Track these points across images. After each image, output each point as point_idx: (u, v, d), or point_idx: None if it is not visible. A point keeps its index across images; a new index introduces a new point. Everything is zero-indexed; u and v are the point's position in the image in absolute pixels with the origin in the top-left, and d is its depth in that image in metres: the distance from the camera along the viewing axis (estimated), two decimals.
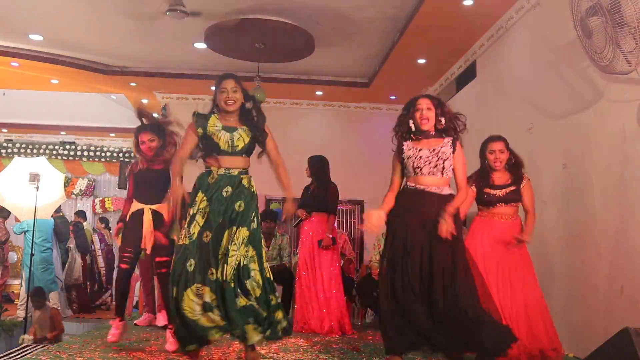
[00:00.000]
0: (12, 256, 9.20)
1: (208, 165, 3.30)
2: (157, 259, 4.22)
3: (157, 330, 5.21)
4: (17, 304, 7.89)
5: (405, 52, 6.81)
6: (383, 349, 3.25)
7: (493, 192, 3.90)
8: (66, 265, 8.39)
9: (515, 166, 3.95)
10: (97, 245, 9.48)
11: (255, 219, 3.28)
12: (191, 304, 3.08)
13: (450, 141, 3.24)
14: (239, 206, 3.22)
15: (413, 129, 3.25)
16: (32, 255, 7.09)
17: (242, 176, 3.28)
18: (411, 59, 7.06)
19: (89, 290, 9.01)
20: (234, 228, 3.19)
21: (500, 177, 3.93)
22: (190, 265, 3.13)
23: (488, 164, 3.94)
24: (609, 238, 3.96)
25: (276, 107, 8.99)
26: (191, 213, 3.23)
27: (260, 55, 6.89)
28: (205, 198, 3.22)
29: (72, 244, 8.66)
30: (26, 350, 5.61)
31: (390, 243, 3.20)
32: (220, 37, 6.58)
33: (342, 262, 6.61)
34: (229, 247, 3.15)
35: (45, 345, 5.56)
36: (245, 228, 3.20)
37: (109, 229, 10.04)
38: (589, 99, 4.30)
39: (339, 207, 8.95)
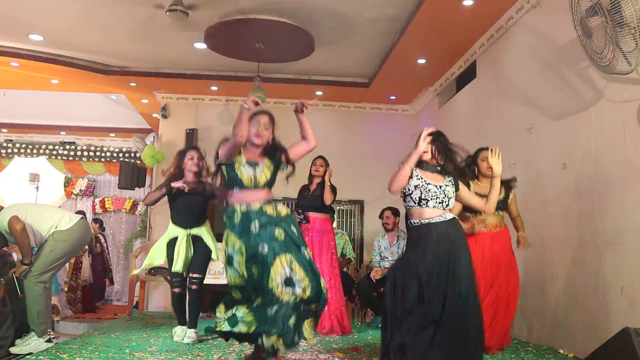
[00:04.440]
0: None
1: (231, 203, 3.34)
2: (191, 275, 4.54)
3: (157, 330, 5.22)
4: None
5: (405, 52, 6.81)
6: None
7: (483, 197, 3.98)
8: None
9: (504, 181, 4.12)
10: (104, 243, 9.59)
11: (299, 237, 3.31)
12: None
13: (452, 180, 3.28)
14: (280, 234, 3.23)
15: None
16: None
17: (264, 207, 3.29)
18: (411, 59, 7.06)
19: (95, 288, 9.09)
20: (285, 255, 3.19)
21: (488, 186, 4.00)
22: (238, 294, 3.30)
23: (480, 171, 4.21)
24: (609, 238, 3.96)
25: (276, 107, 8.98)
26: (228, 253, 3.28)
27: (260, 55, 6.88)
28: (235, 238, 3.26)
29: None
30: None
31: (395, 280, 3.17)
32: (220, 37, 6.58)
33: (342, 262, 6.61)
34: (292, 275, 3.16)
35: None
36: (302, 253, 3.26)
37: (103, 229, 10.06)
38: (589, 99, 4.30)
39: (339, 207, 9.01)
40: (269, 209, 3.30)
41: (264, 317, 3.11)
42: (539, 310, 4.83)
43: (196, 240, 4.56)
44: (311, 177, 5.47)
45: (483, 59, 6.51)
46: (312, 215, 5.32)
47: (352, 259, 7.13)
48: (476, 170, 4.30)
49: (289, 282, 3.13)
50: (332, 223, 5.93)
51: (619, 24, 3.32)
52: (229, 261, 3.29)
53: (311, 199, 5.34)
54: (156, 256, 4.66)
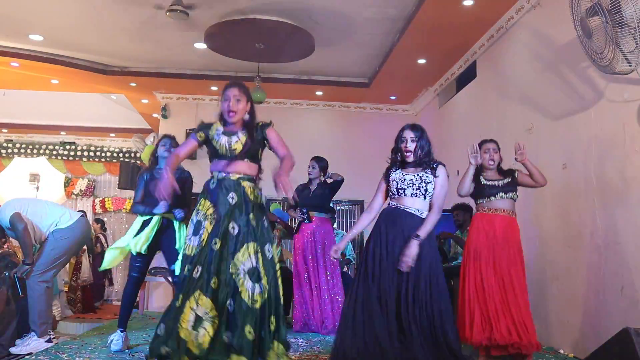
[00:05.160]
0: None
1: (211, 171, 3.21)
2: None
3: None
4: None
5: (405, 52, 6.81)
6: None
7: (492, 182, 4.01)
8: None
9: (505, 170, 4.14)
10: (105, 243, 9.58)
11: (268, 233, 3.12)
12: (188, 316, 2.88)
13: (434, 170, 3.24)
14: (253, 220, 3.05)
15: (399, 160, 3.30)
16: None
17: (243, 182, 3.10)
18: (411, 59, 7.06)
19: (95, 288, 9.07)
20: (254, 244, 3.01)
21: (493, 175, 4.08)
22: (197, 272, 2.96)
23: (482, 162, 4.11)
24: (609, 238, 3.96)
25: (276, 107, 8.99)
26: (195, 220, 3.09)
27: (260, 55, 6.89)
28: (209, 204, 3.09)
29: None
30: None
31: (363, 259, 3.20)
32: (220, 37, 6.58)
33: (342, 262, 6.61)
34: (255, 265, 2.98)
35: None
36: (267, 245, 3.08)
37: (105, 230, 10.06)
38: (589, 99, 4.30)
39: (338, 207, 9.02)
40: (248, 188, 3.10)
41: (222, 308, 2.89)
42: (539, 310, 4.83)
43: (168, 226, 4.18)
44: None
45: (483, 59, 6.51)
46: (313, 215, 5.31)
47: (352, 259, 7.12)
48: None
49: (252, 273, 2.95)
50: (333, 224, 5.92)
51: (619, 24, 3.32)
52: (195, 229, 3.05)
53: (312, 198, 5.33)
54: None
